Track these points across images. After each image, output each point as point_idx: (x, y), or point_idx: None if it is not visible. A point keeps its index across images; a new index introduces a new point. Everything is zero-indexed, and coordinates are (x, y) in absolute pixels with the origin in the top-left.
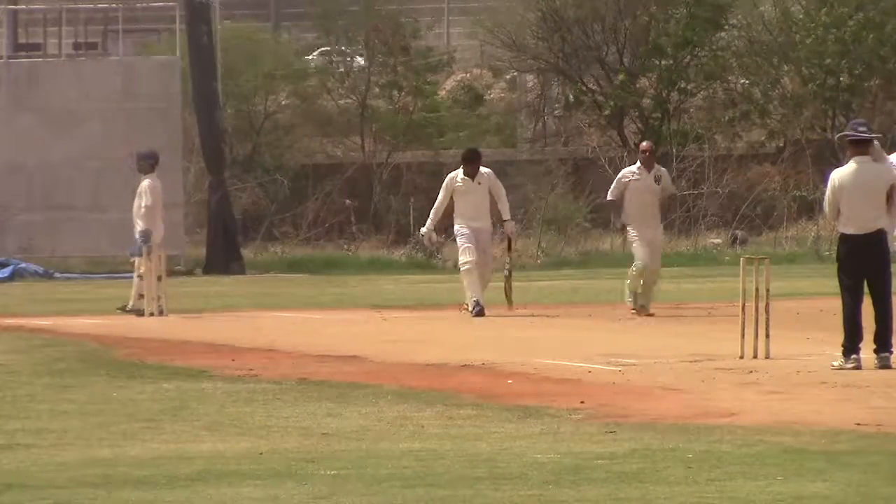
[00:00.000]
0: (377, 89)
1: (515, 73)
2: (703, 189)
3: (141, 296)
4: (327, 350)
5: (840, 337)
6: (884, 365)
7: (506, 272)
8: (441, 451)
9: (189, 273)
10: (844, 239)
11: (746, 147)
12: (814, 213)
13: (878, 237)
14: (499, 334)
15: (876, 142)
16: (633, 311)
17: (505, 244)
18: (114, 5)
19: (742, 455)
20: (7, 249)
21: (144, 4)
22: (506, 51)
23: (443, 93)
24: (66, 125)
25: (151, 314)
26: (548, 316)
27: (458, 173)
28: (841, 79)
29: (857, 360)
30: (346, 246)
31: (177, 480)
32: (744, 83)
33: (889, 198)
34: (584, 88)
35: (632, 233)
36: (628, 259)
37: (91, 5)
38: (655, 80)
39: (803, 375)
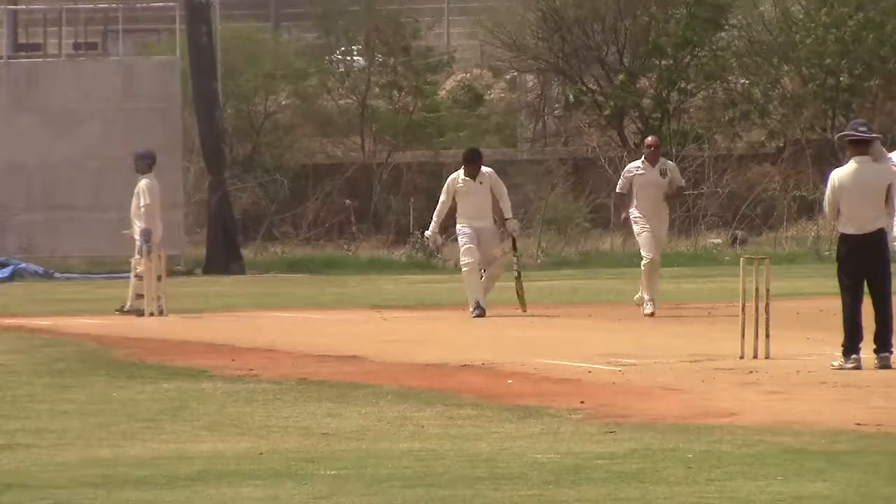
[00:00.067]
0: (377, 89)
1: (515, 73)
2: (703, 189)
3: (139, 296)
4: (327, 350)
5: (840, 337)
6: (884, 365)
7: (515, 273)
8: (441, 451)
9: (189, 273)
10: (844, 239)
11: (746, 147)
12: (814, 213)
13: (878, 237)
14: (499, 334)
15: (878, 141)
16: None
17: (509, 244)
18: (114, 5)
19: (742, 455)
20: (7, 249)
21: (144, 4)
22: (506, 51)
23: (443, 93)
24: (66, 125)
25: (151, 314)
26: (548, 316)
27: (460, 174)
28: (841, 79)
29: (857, 360)
30: (346, 246)
31: (177, 480)
32: (744, 83)
33: (888, 196)
34: (584, 88)
35: (637, 226)
36: (628, 259)
37: (91, 5)
38: (655, 80)
39: (803, 375)
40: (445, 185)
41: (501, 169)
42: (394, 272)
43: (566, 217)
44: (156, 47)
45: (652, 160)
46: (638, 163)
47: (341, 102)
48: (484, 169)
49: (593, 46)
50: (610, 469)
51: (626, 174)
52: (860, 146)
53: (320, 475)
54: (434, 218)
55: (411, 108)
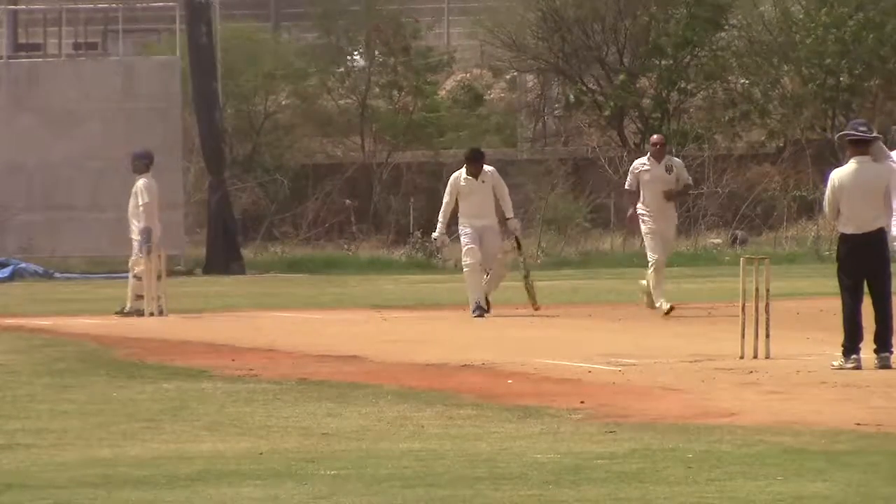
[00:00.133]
0: (377, 89)
1: (515, 73)
2: (703, 189)
3: (139, 296)
4: (327, 350)
5: (840, 337)
6: (884, 365)
7: (524, 272)
8: (441, 451)
9: (189, 273)
10: (844, 239)
11: (746, 147)
12: (814, 213)
13: (878, 237)
14: (499, 334)
15: (879, 140)
16: (666, 314)
17: (514, 244)
18: (114, 5)
19: (742, 455)
20: (7, 249)
21: (144, 4)
22: (506, 51)
23: (443, 93)
24: (66, 125)
25: (151, 314)
26: (548, 316)
27: (462, 173)
28: (841, 79)
29: (857, 360)
30: (346, 246)
31: (177, 480)
32: (744, 83)
33: (888, 195)
34: (584, 88)
35: (644, 226)
36: (628, 259)
37: (91, 5)
38: (655, 80)
39: (803, 375)
40: (448, 185)
41: (502, 169)
42: (394, 272)
43: (566, 217)
44: (156, 47)
45: (658, 157)
46: (644, 159)
47: (341, 102)
48: (486, 168)
49: (593, 46)
50: (610, 469)
51: (633, 171)
52: (860, 146)
53: (320, 475)
54: (440, 219)
55: (411, 108)
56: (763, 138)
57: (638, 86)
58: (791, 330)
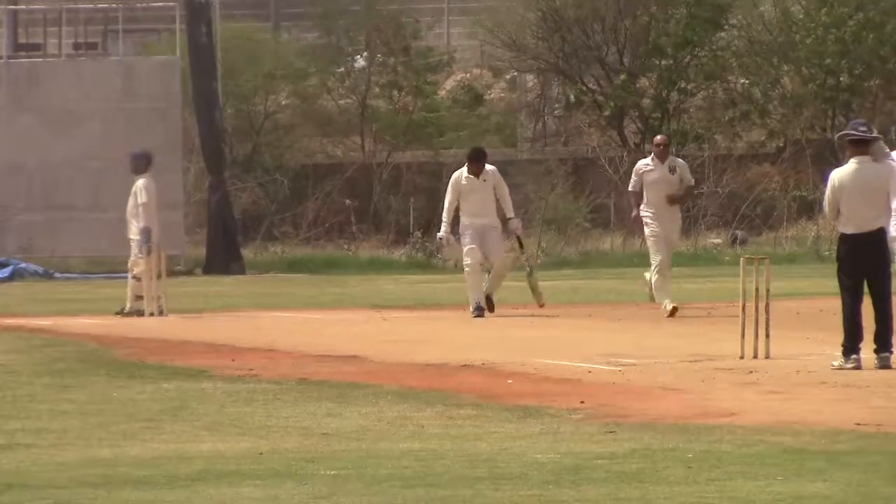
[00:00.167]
0: (377, 89)
1: (515, 73)
2: (703, 189)
3: (138, 297)
4: (327, 350)
5: (840, 337)
6: (884, 365)
7: (527, 269)
8: (441, 451)
9: (189, 273)
10: (844, 239)
11: (746, 147)
12: (814, 213)
13: (878, 237)
14: (499, 334)
15: (881, 140)
16: (669, 315)
17: (515, 243)
18: (114, 5)
19: (742, 455)
20: (7, 249)
21: (144, 4)
22: (506, 51)
23: (443, 93)
24: (66, 125)
25: (151, 314)
26: (548, 316)
27: (463, 172)
28: (841, 79)
29: (857, 360)
30: (346, 246)
31: (177, 480)
32: (744, 83)
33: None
34: (584, 88)
35: (648, 228)
36: (628, 259)
37: (91, 5)
38: (655, 80)
39: (803, 375)
40: (450, 184)
41: (501, 169)
42: (394, 272)
43: (566, 217)
44: (156, 47)
45: (661, 157)
46: (647, 160)
47: (341, 102)
48: (487, 167)
49: (593, 46)
50: (610, 469)
51: (637, 171)
52: (860, 146)
53: (320, 475)
54: (444, 218)
55: (411, 108)
56: (763, 138)
57: (638, 86)
58: (791, 330)
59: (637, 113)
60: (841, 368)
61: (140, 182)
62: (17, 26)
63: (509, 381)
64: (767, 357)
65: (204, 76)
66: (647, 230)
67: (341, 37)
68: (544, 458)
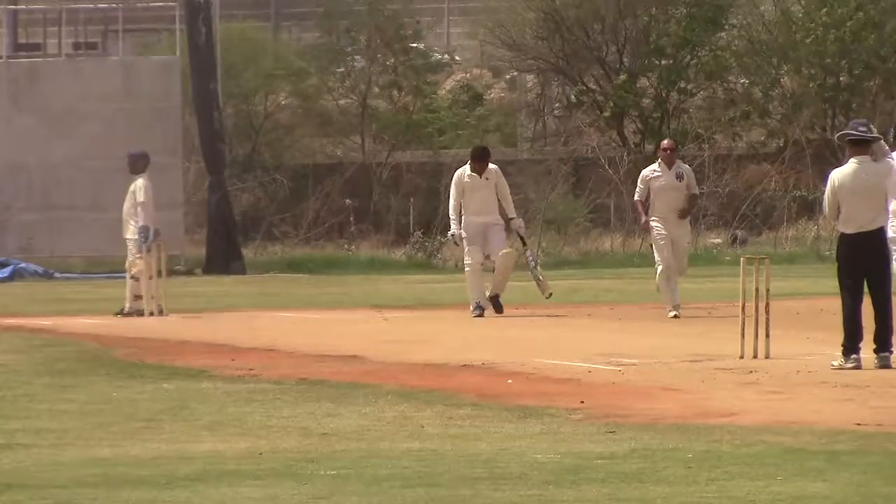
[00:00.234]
0: (377, 89)
1: (515, 73)
2: (703, 189)
3: (137, 297)
4: (327, 350)
5: (840, 337)
6: (884, 365)
7: (532, 263)
8: (441, 451)
9: (189, 273)
10: (844, 239)
11: (746, 147)
12: (814, 213)
13: (878, 237)
14: (499, 334)
15: (882, 140)
16: (674, 315)
17: (518, 241)
18: (114, 5)
19: (742, 455)
20: (7, 249)
21: (144, 4)
22: (506, 51)
23: (443, 93)
24: (66, 125)
25: (151, 314)
26: (548, 316)
27: (466, 170)
28: (841, 79)
29: (857, 360)
30: (346, 246)
31: (177, 480)
32: (744, 83)
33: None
34: (584, 88)
35: (655, 232)
36: (628, 259)
37: (91, 5)
38: (655, 80)
39: (803, 375)
40: (453, 182)
41: (502, 169)
42: (394, 272)
43: (566, 217)
44: (156, 47)
45: (668, 163)
46: (654, 166)
47: (341, 102)
48: (490, 166)
49: (593, 46)
50: (610, 469)
51: (643, 179)
52: (860, 146)
53: (320, 475)
54: (452, 216)
55: (411, 108)
56: (763, 138)
57: (638, 86)
58: (791, 330)
59: (637, 113)
60: (841, 368)
61: (139, 181)
62: (17, 26)
63: (509, 381)
64: (767, 357)
65: (204, 76)
66: (653, 234)
67: (342, 37)
68: (544, 458)
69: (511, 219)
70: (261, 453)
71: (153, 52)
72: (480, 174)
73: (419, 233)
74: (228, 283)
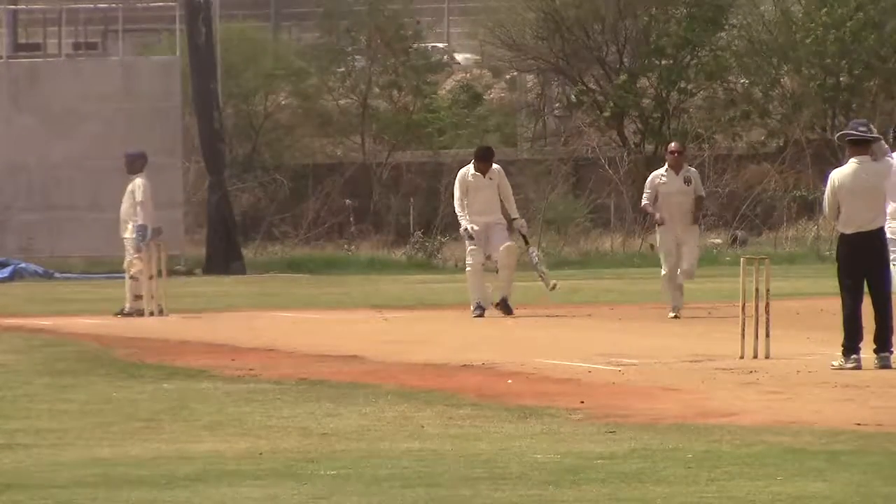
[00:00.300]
0: (377, 89)
1: (515, 73)
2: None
3: (137, 297)
4: (327, 350)
5: (840, 337)
6: (884, 365)
7: (535, 260)
8: (441, 451)
9: (189, 273)
10: (844, 239)
11: (746, 147)
12: (814, 213)
13: (878, 237)
14: (499, 334)
15: (882, 140)
16: (674, 315)
17: (520, 240)
18: (114, 5)
19: (742, 455)
20: (7, 249)
21: (144, 4)
22: (506, 51)
23: (443, 93)
24: (66, 125)
25: (151, 313)
26: (548, 316)
27: (469, 169)
28: (841, 79)
29: (857, 360)
30: (346, 246)
31: (177, 480)
32: (744, 83)
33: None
34: (584, 88)
35: (659, 236)
36: (629, 259)
37: (91, 5)
38: (655, 80)
39: (803, 375)
40: (457, 180)
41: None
42: (394, 272)
43: (566, 217)
44: (156, 47)
45: (676, 167)
46: (661, 171)
47: (341, 102)
48: (494, 166)
49: (593, 46)
50: (610, 469)
51: (651, 184)
52: (860, 146)
53: (320, 475)
54: (460, 213)
55: (411, 108)
56: (763, 138)
57: (638, 86)
58: (791, 330)
59: (637, 113)
60: (841, 368)
61: (137, 181)
62: (17, 26)
63: (509, 381)
64: (767, 357)
65: (203, 76)
66: (658, 237)
67: (342, 37)
68: (544, 458)
69: (514, 219)
70: (261, 453)
71: (153, 52)
72: (484, 174)
73: (419, 233)
74: (228, 283)
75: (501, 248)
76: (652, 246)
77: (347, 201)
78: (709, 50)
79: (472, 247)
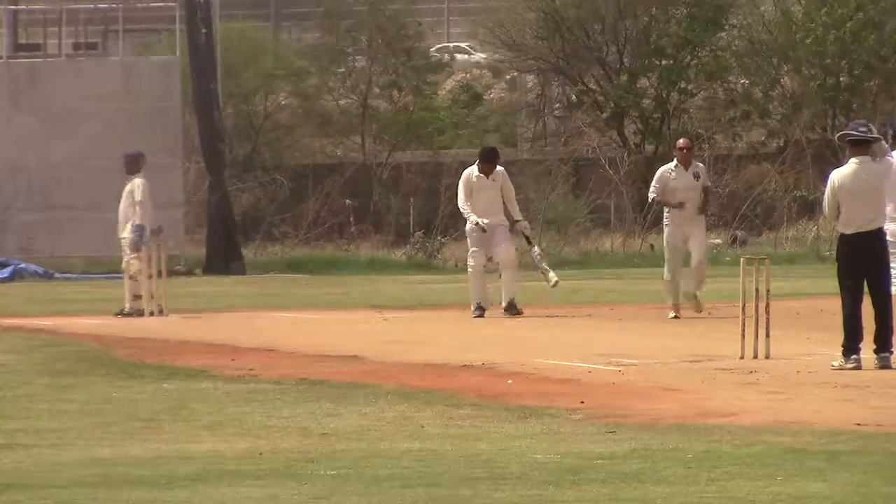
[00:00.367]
0: (377, 89)
1: (515, 74)
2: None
3: (136, 297)
4: (327, 350)
5: (840, 337)
6: (884, 365)
7: (536, 257)
8: (441, 451)
9: (189, 273)
10: (844, 239)
11: (746, 147)
12: (814, 213)
13: (878, 237)
14: (499, 334)
15: (882, 140)
16: (674, 316)
17: (523, 243)
18: (114, 5)
19: (742, 455)
20: (7, 249)
21: (144, 4)
22: (506, 51)
23: (443, 93)
24: (66, 125)
25: (151, 313)
26: (548, 316)
27: (474, 170)
28: (841, 79)
29: (857, 360)
30: (346, 246)
31: (177, 480)
32: (744, 83)
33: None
34: (584, 88)
35: (666, 232)
36: (629, 259)
37: (91, 5)
38: (656, 80)
39: (803, 375)
40: (462, 181)
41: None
42: (394, 272)
43: (566, 217)
44: (156, 47)
45: (685, 163)
46: (670, 166)
47: (342, 102)
48: (497, 168)
49: (593, 46)
50: (610, 469)
51: (660, 178)
52: (860, 146)
53: (320, 475)
54: (467, 209)
55: (411, 108)
56: (763, 138)
57: (638, 86)
58: (791, 330)
59: (637, 113)
60: (841, 369)
61: (136, 181)
62: (17, 26)
63: (509, 381)
64: (767, 357)
65: (203, 76)
66: (665, 235)
67: (343, 37)
68: (544, 458)
69: (516, 221)
70: (261, 453)
71: (153, 52)
72: (487, 175)
73: (419, 233)
74: (228, 284)
75: (505, 258)
76: (652, 246)
77: (347, 201)
78: (709, 50)
79: (474, 248)
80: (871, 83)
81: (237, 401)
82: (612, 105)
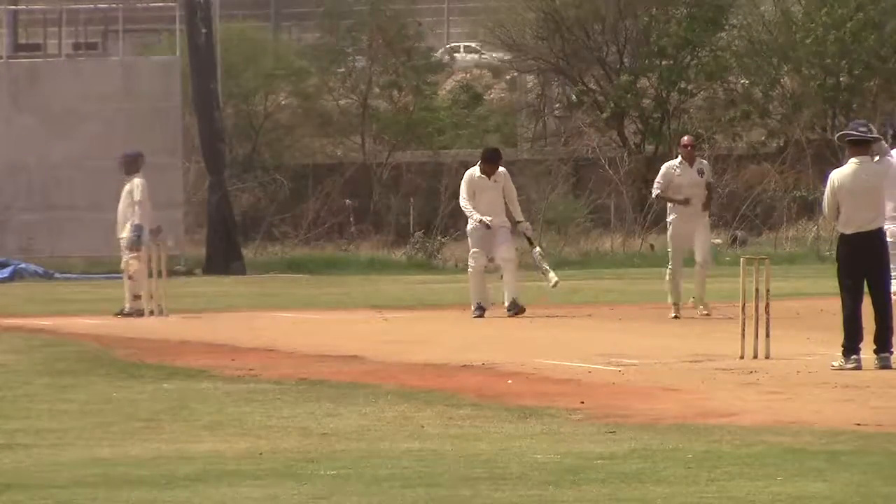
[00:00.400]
0: (377, 89)
1: (515, 74)
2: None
3: (136, 296)
4: (327, 350)
5: (840, 337)
6: (884, 365)
7: (537, 257)
8: (441, 451)
9: (189, 273)
10: (844, 239)
11: (747, 147)
12: (814, 213)
13: (878, 237)
14: (499, 334)
15: (882, 140)
16: (674, 316)
17: (525, 244)
18: (114, 5)
19: (742, 455)
20: (7, 249)
21: (144, 4)
22: (506, 51)
23: (443, 93)
24: (66, 125)
25: (151, 313)
26: (548, 316)
27: (476, 171)
28: (841, 79)
29: (857, 361)
30: (346, 246)
31: (177, 480)
32: (744, 83)
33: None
34: (584, 88)
35: (671, 229)
36: (629, 259)
37: (91, 5)
38: (656, 80)
39: (803, 375)
40: (464, 181)
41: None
42: (394, 272)
43: (566, 217)
44: (156, 47)
45: (689, 160)
46: (675, 162)
47: (342, 102)
48: (500, 169)
49: (593, 46)
50: (610, 469)
51: (665, 175)
52: (860, 146)
53: (320, 475)
54: (469, 208)
55: (411, 108)
56: (763, 138)
57: (638, 86)
58: (791, 330)
59: (637, 113)
60: (841, 369)
61: (135, 181)
62: (17, 26)
63: (509, 381)
64: (767, 357)
65: (203, 76)
66: (670, 231)
67: (343, 37)
68: (544, 458)
69: (518, 222)
70: (261, 453)
71: (153, 52)
72: (489, 176)
73: (419, 233)
74: (228, 284)
75: (505, 260)
76: (652, 246)
77: (347, 201)
78: (709, 50)
79: (475, 249)
80: (871, 83)
81: (237, 401)
82: (612, 105)
